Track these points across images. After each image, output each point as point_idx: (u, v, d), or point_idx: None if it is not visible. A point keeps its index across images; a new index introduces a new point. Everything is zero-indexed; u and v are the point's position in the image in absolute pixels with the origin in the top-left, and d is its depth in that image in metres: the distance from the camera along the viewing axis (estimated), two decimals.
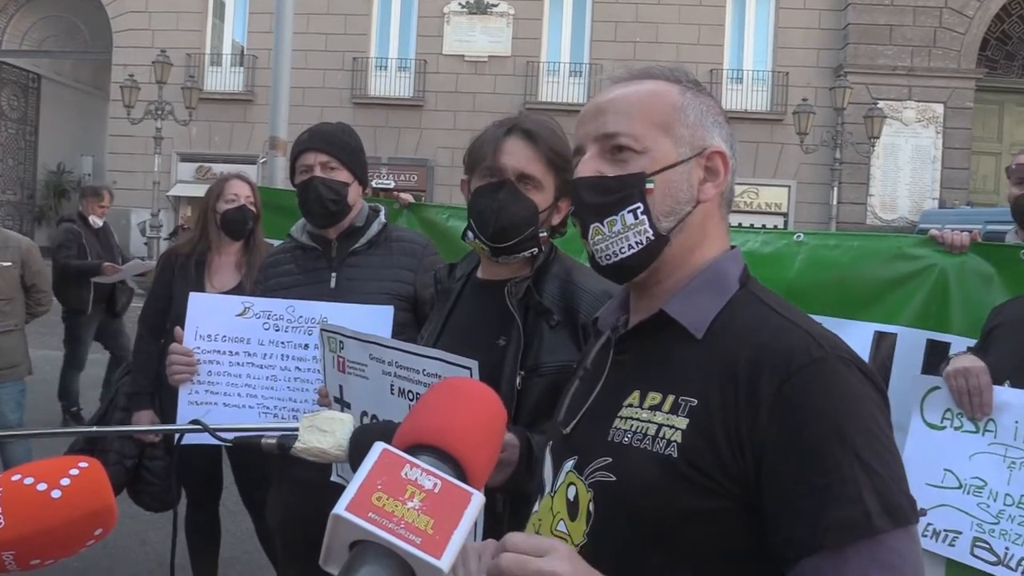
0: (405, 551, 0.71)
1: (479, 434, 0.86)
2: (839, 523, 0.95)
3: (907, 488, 1.00)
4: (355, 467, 0.79)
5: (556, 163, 1.87)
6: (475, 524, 1.56)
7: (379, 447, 0.78)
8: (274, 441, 1.19)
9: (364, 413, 1.86)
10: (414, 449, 0.81)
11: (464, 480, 0.81)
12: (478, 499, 0.77)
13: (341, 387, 1.93)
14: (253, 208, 3.61)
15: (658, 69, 1.27)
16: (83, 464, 1.03)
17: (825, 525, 0.96)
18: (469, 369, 1.55)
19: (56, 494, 0.99)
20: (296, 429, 1.18)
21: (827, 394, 1.01)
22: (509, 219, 1.85)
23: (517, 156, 1.87)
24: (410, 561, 0.71)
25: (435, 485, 0.76)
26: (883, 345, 3.08)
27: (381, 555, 0.71)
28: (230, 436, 1.28)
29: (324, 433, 1.11)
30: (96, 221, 6.86)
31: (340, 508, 0.72)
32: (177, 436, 1.72)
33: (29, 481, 0.99)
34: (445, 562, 0.71)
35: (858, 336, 3.06)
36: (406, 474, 0.76)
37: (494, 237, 1.87)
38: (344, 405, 1.94)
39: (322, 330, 1.96)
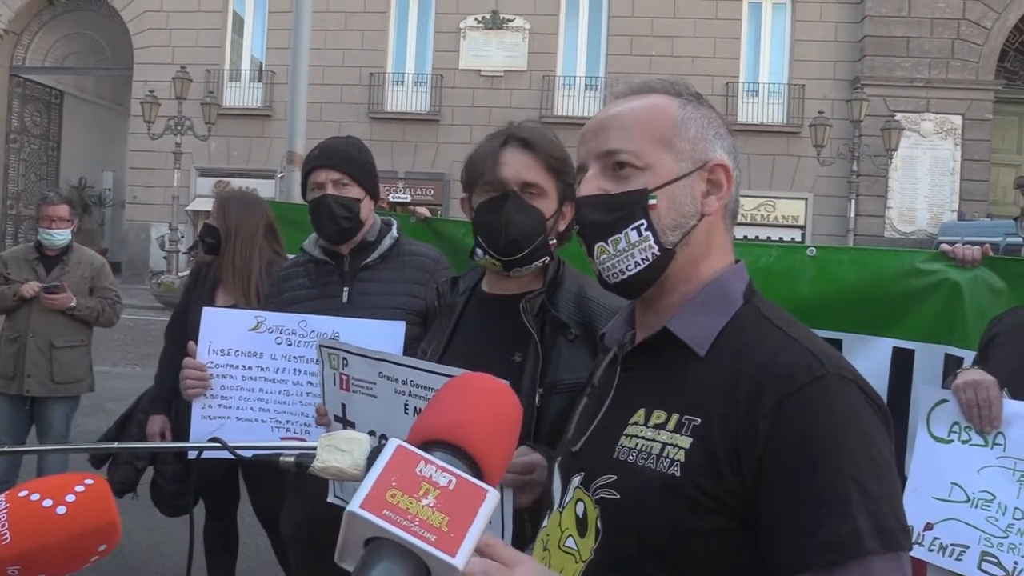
0: (420, 548, 0.71)
1: (494, 430, 0.85)
2: (829, 542, 0.95)
3: (902, 514, 1.00)
4: None
5: (555, 167, 1.85)
6: (503, 537, 1.56)
7: (394, 443, 0.78)
8: (292, 459, 1.20)
9: (372, 433, 1.79)
10: (429, 445, 0.81)
11: (479, 477, 0.80)
12: (493, 496, 0.77)
13: (344, 405, 1.87)
14: (213, 223, 3.61)
15: (658, 83, 1.26)
16: (88, 481, 1.04)
17: (816, 543, 0.96)
18: None
19: (61, 510, 0.99)
20: (314, 448, 1.20)
21: (826, 413, 1.01)
22: (519, 230, 1.82)
23: (517, 166, 1.84)
24: (425, 558, 0.71)
25: (450, 482, 0.76)
26: (902, 361, 3.07)
27: (396, 552, 0.71)
28: (249, 454, 1.30)
29: (342, 452, 1.12)
30: None
31: (355, 505, 0.72)
32: (196, 454, 1.73)
33: (35, 497, 1.00)
34: (460, 559, 0.71)
35: (877, 352, 3.05)
36: (421, 471, 0.76)
37: (506, 251, 1.83)
38: (347, 424, 1.88)
39: (321, 346, 1.91)
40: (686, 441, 1.07)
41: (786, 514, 0.99)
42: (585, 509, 1.16)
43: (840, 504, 0.96)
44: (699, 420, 1.07)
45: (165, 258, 20.85)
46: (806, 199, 21.15)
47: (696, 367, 1.13)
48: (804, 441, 1.00)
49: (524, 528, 1.60)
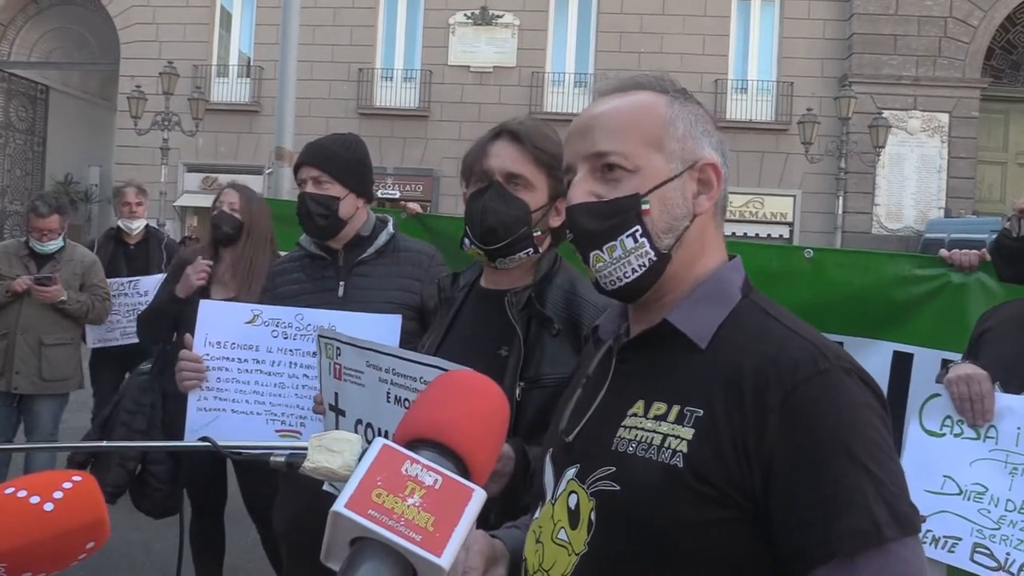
0: (405, 548, 0.70)
1: (481, 429, 0.85)
2: (850, 532, 0.96)
3: (909, 496, 1.01)
4: None
5: (546, 162, 1.86)
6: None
7: (379, 442, 0.77)
8: (283, 459, 1.20)
9: (359, 421, 1.84)
10: (415, 444, 0.80)
11: (466, 476, 0.79)
12: (480, 495, 0.76)
13: (336, 394, 1.92)
14: (236, 215, 3.60)
15: (645, 79, 1.25)
16: (76, 478, 1.02)
17: (836, 535, 0.96)
18: None
19: (49, 507, 0.97)
20: (305, 448, 1.20)
21: (833, 405, 1.02)
22: (497, 218, 1.84)
23: (503, 157, 1.88)
24: (411, 559, 0.70)
25: (436, 481, 0.75)
26: (901, 365, 3.09)
27: (381, 552, 0.70)
28: (239, 453, 1.30)
29: (333, 453, 1.12)
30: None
31: (339, 505, 0.72)
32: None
33: (22, 494, 0.98)
34: (446, 560, 0.70)
35: (878, 356, 3.07)
36: (406, 470, 0.75)
37: (483, 238, 1.87)
38: (339, 412, 1.92)
39: (319, 336, 1.95)
40: (688, 432, 1.07)
41: (802, 508, 1.00)
42: (578, 501, 1.16)
43: (855, 495, 0.97)
44: (701, 412, 1.07)
45: None
46: (794, 196, 21.21)
47: (696, 359, 1.13)
48: (813, 433, 1.01)
49: (488, 518, 1.60)
